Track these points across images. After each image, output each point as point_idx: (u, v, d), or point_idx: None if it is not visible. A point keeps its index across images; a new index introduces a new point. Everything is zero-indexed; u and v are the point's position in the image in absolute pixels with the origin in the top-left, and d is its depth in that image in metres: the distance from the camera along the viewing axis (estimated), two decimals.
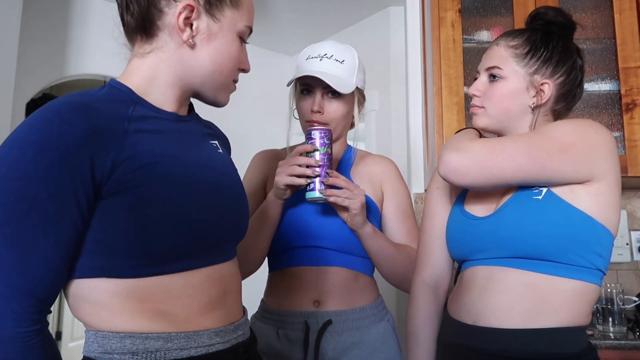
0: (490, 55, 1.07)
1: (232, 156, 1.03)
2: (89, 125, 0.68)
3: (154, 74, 0.81)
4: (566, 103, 1.06)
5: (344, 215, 1.16)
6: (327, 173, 1.13)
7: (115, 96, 0.77)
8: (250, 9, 0.84)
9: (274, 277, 1.28)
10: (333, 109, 1.23)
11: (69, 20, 2.60)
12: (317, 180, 1.12)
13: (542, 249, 0.93)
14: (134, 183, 0.70)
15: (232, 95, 0.90)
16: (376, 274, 1.28)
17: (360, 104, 1.29)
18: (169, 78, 0.81)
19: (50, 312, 0.71)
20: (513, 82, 1.03)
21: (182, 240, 0.73)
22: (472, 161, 0.92)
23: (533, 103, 1.02)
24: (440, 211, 1.14)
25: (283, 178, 1.12)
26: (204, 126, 0.93)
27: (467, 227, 1.03)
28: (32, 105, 3.57)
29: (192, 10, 0.78)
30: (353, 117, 1.29)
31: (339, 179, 1.12)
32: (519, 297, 0.94)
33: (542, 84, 1.02)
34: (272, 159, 1.33)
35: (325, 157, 1.13)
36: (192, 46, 0.79)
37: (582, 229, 0.92)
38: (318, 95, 1.23)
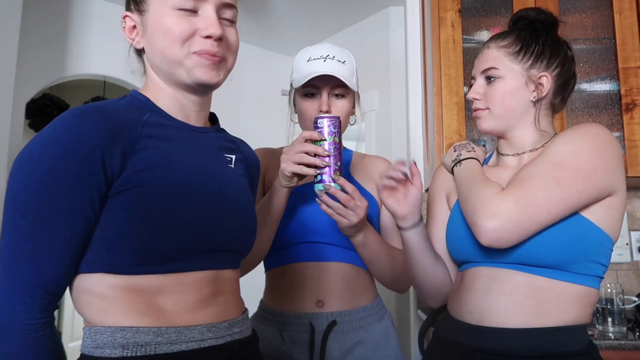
0: (483, 59, 1.08)
1: None
2: (106, 125, 0.72)
3: (154, 86, 0.86)
4: (563, 95, 1.08)
5: (335, 217, 1.12)
6: (337, 166, 1.07)
7: (134, 104, 0.82)
8: None
9: (274, 275, 1.27)
10: (339, 108, 1.24)
11: (69, 20, 2.60)
12: (326, 170, 1.07)
13: (548, 259, 0.94)
14: (137, 183, 0.73)
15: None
16: None
17: (359, 104, 1.30)
18: (162, 80, 0.85)
19: (58, 307, 0.73)
20: (511, 79, 1.04)
21: (177, 243, 0.75)
22: (510, 225, 0.90)
23: (534, 97, 1.03)
24: (443, 215, 1.14)
25: (290, 165, 1.08)
26: (226, 140, 0.94)
27: (469, 230, 1.03)
28: (32, 105, 3.59)
29: (130, 19, 0.84)
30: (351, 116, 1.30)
31: (347, 184, 1.07)
32: (524, 298, 0.95)
33: (540, 77, 1.03)
34: (270, 155, 1.33)
35: (334, 147, 1.07)
36: (142, 48, 0.84)
37: (590, 241, 0.93)
38: (325, 96, 1.23)
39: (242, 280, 1.29)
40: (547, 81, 1.03)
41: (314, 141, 1.08)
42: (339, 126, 1.10)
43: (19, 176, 0.70)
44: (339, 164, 1.08)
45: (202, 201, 0.79)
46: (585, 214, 0.93)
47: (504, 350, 0.93)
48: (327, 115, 1.10)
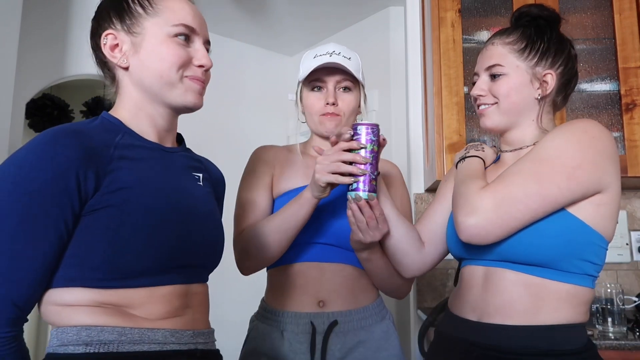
0: (488, 55, 1.07)
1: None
2: (80, 147, 0.75)
3: (132, 104, 0.89)
4: (565, 92, 1.08)
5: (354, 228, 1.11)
6: (374, 176, 1.03)
7: (106, 126, 0.85)
8: (175, 10, 0.87)
9: (275, 274, 1.27)
10: (346, 102, 1.24)
11: (69, 20, 2.60)
12: (362, 179, 1.03)
13: (535, 257, 0.94)
14: (110, 203, 0.76)
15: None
16: None
17: (365, 101, 1.32)
18: (144, 98, 0.88)
19: (27, 320, 0.74)
20: (516, 76, 1.03)
21: (149, 260, 0.78)
22: (489, 222, 0.91)
23: (539, 95, 1.03)
24: (444, 197, 1.17)
25: (325, 175, 1.04)
26: (193, 159, 0.99)
27: None
28: (32, 105, 3.59)
29: (114, 37, 0.87)
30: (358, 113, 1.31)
31: (377, 206, 1.05)
32: (518, 297, 0.96)
33: (545, 75, 1.03)
34: (276, 152, 1.34)
35: (372, 155, 1.03)
36: (126, 67, 0.87)
37: (579, 239, 0.93)
38: (331, 88, 1.24)
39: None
40: (551, 79, 1.03)
41: (350, 151, 1.05)
42: (378, 134, 1.05)
43: None
44: (375, 173, 1.05)
45: (174, 219, 0.82)
46: (573, 210, 0.93)
47: (502, 346, 0.94)
48: (365, 122, 1.06)
